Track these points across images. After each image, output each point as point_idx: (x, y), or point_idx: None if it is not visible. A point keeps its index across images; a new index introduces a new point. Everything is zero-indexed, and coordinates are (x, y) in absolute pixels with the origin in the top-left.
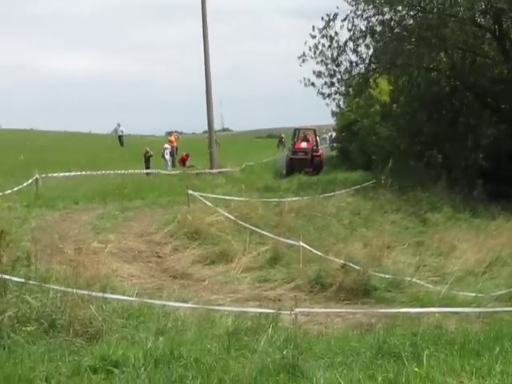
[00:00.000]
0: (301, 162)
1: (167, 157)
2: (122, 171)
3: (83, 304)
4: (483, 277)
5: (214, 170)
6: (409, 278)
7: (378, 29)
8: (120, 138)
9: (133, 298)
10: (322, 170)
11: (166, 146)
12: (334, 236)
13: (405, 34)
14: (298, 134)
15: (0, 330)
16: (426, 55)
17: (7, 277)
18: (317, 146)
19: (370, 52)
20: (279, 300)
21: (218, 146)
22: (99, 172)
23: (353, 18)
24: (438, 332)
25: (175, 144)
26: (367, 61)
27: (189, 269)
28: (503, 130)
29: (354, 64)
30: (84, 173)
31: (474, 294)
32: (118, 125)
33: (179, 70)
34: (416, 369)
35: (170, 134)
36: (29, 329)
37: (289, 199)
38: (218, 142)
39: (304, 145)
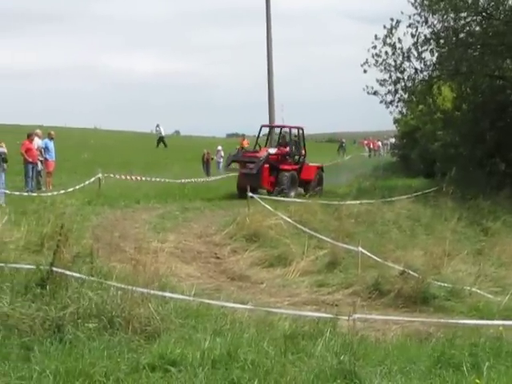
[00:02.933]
0: (248, 177)
1: (220, 159)
2: (185, 180)
3: (142, 302)
4: None
5: None
6: (468, 288)
7: (443, 35)
8: (162, 139)
9: (191, 298)
10: (317, 192)
11: (219, 148)
12: (393, 242)
13: (470, 40)
14: (269, 134)
15: (62, 325)
16: (490, 62)
17: (69, 273)
18: (292, 156)
19: (434, 59)
20: (337, 305)
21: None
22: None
23: (417, 24)
24: (499, 344)
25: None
26: (431, 67)
27: (247, 271)
28: None
29: (417, 71)
30: (145, 178)
31: None
32: (158, 126)
33: (242, 72)
34: (477, 380)
35: (242, 137)
36: (91, 325)
37: (348, 203)
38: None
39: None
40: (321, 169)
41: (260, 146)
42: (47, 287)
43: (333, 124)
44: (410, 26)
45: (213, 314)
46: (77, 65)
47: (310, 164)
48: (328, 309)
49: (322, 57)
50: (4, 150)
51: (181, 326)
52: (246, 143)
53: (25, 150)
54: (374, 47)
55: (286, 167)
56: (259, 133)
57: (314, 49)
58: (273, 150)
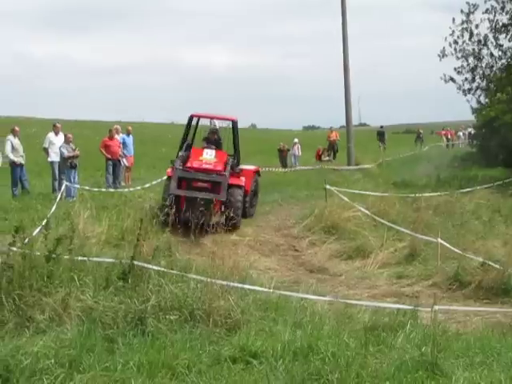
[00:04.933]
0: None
1: (296, 152)
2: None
3: (222, 295)
4: None
5: (351, 167)
6: None
7: None
8: None
9: (271, 291)
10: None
11: (296, 140)
12: (473, 233)
13: None
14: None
15: (144, 318)
16: None
17: (149, 266)
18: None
19: None
20: (416, 297)
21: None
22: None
23: (494, 10)
24: None
25: (335, 138)
26: (510, 55)
27: (325, 263)
28: None
29: (496, 58)
30: None
31: None
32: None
33: (318, 65)
34: None
35: (330, 130)
36: (172, 317)
37: (426, 195)
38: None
39: (209, 156)
40: (257, 173)
41: (191, 143)
42: (129, 280)
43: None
44: (486, 11)
45: (292, 307)
46: (153, 60)
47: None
48: (408, 300)
49: (398, 48)
50: (72, 147)
51: (261, 318)
52: (334, 135)
53: (103, 147)
54: (452, 33)
55: (235, 181)
56: (189, 125)
57: (390, 40)
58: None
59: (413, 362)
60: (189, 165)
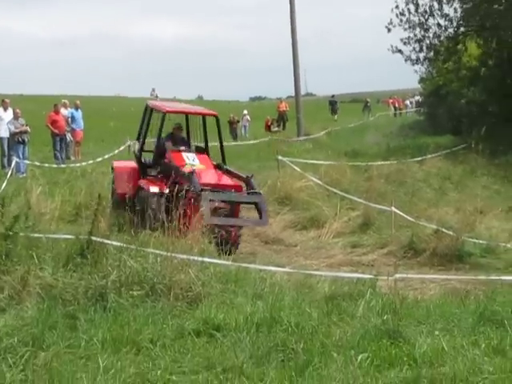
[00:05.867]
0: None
1: (245, 123)
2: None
3: (182, 269)
4: None
5: (301, 137)
6: (503, 244)
7: None
8: None
9: (229, 263)
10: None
11: (245, 112)
12: (425, 201)
13: None
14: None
15: (105, 294)
16: None
17: (108, 241)
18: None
19: (459, 15)
20: (372, 265)
21: None
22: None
23: None
24: None
25: (285, 109)
26: (456, 24)
27: (280, 234)
28: None
29: (442, 28)
30: None
31: None
32: (153, 90)
33: (264, 36)
34: None
35: (280, 100)
36: (135, 293)
37: (378, 164)
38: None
39: (192, 162)
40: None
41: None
42: (88, 256)
43: (356, 84)
44: None
45: (252, 278)
46: (97, 33)
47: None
48: (364, 269)
49: (345, 17)
50: (21, 122)
51: (221, 290)
52: (283, 106)
53: (50, 122)
54: (397, 6)
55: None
56: (144, 118)
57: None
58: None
59: (375, 330)
60: (204, 181)
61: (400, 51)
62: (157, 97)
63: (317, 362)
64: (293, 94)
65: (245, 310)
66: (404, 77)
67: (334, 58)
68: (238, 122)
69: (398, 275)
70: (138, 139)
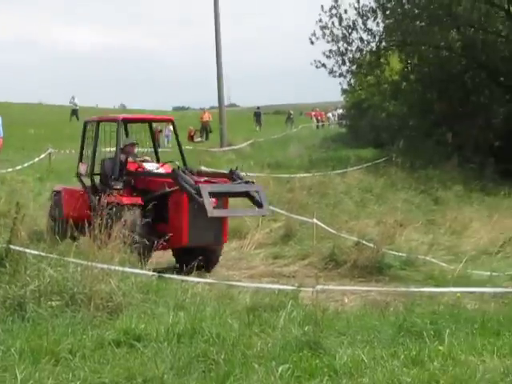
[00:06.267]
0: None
1: (168, 133)
2: None
3: (103, 278)
4: (497, 256)
5: (224, 148)
6: (422, 257)
7: (389, 6)
8: (75, 112)
9: (150, 273)
10: None
11: None
12: (346, 213)
13: (416, 11)
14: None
15: (23, 303)
16: (437, 34)
17: (27, 250)
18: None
19: (381, 29)
20: (293, 277)
21: None
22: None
23: None
24: (458, 311)
25: (208, 119)
26: (378, 38)
27: None
28: None
29: (365, 42)
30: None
31: (488, 273)
32: (73, 98)
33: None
34: (439, 347)
35: (203, 111)
36: (54, 303)
37: (300, 175)
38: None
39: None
40: None
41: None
42: (6, 265)
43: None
44: None
45: (173, 289)
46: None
47: None
48: (285, 280)
49: (269, 29)
50: None
51: (142, 301)
52: (206, 116)
53: None
54: (320, 20)
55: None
56: (84, 135)
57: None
58: None
59: (296, 341)
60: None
61: (324, 65)
62: (76, 105)
63: (238, 373)
64: (216, 105)
65: (166, 320)
66: (328, 90)
67: (259, 69)
68: (161, 131)
69: (319, 287)
70: (81, 160)
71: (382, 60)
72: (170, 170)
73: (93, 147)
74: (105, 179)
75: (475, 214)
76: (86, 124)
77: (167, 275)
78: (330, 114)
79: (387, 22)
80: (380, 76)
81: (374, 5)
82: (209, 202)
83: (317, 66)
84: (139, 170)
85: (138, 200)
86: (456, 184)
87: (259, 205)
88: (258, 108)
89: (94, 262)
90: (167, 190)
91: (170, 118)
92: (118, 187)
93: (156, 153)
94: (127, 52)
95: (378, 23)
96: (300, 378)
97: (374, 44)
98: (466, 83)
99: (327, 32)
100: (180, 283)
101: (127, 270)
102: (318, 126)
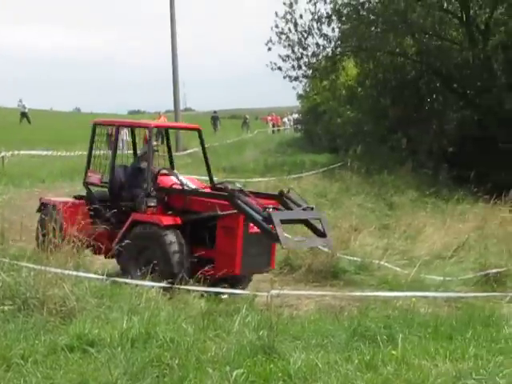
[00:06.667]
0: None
1: (124, 137)
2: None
3: (57, 283)
4: (450, 261)
5: (180, 152)
6: (377, 261)
7: (345, 11)
8: (24, 114)
9: (104, 278)
10: None
11: None
12: None
13: (372, 17)
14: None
15: None
16: (392, 40)
17: None
18: None
19: (337, 35)
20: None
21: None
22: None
23: (316, 1)
24: (411, 315)
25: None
26: (334, 44)
27: None
28: (468, 115)
29: (321, 47)
30: (51, 153)
31: (441, 278)
32: (20, 100)
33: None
34: (393, 352)
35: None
36: (6, 307)
37: (255, 180)
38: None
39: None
40: None
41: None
42: None
43: (235, 100)
44: (310, 1)
45: (127, 293)
46: None
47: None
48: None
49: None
50: None
51: (96, 305)
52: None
53: None
54: (276, 26)
55: None
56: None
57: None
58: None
59: (251, 345)
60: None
61: (279, 68)
62: (25, 107)
63: (192, 378)
64: (172, 109)
65: (120, 325)
66: (283, 94)
67: (215, 74)
68: (111, 135)
69: (273, 291)
70: (89, 167)
71: (337, 65)
72: (200, 185)
73: (111, 154)
74: (114, 190)
75: (429, 219)
76: (94, 126)
77: (121, 280)
78: (285, 119)
79: (343, 27)
80: (335, 81)
81: (329, 10)
82: (282, 232)
83: (272, 69)
84: (174, 186)
85: (178, 220)
86: (410, 189)
87: (322, 234)
88: (215, 112)
89: (48, 266)
90: (219, 213)
91: (197, 127)
92: (153, 204)
93: (171, 162)
94: (83, 55)
95: (333, 29)
96: (254, 383)
97: (329, 49)
98: (421, 89)
99: (283, 37)
100: (134, 288)
101: (81, 274)
102: (273, 131)
